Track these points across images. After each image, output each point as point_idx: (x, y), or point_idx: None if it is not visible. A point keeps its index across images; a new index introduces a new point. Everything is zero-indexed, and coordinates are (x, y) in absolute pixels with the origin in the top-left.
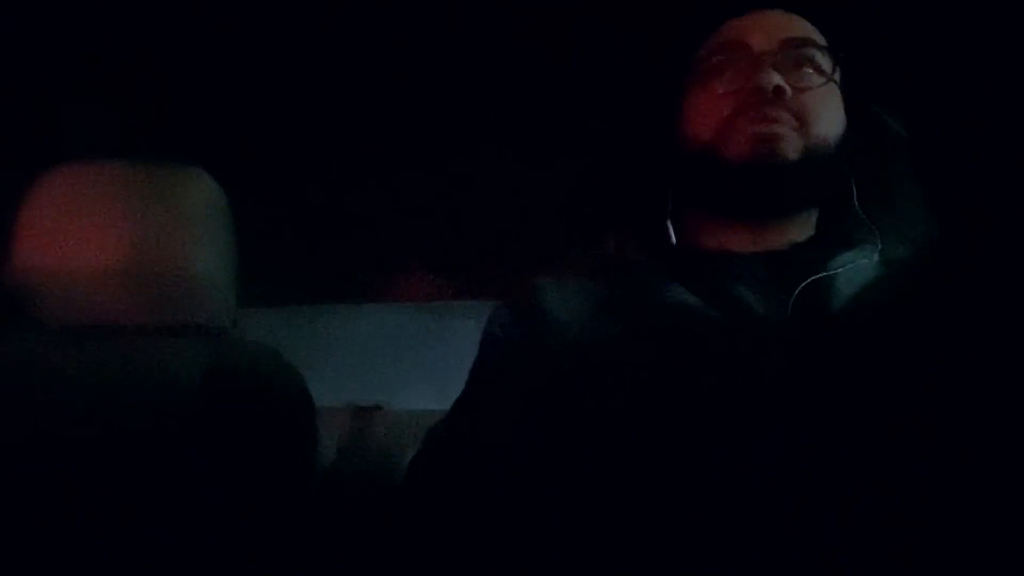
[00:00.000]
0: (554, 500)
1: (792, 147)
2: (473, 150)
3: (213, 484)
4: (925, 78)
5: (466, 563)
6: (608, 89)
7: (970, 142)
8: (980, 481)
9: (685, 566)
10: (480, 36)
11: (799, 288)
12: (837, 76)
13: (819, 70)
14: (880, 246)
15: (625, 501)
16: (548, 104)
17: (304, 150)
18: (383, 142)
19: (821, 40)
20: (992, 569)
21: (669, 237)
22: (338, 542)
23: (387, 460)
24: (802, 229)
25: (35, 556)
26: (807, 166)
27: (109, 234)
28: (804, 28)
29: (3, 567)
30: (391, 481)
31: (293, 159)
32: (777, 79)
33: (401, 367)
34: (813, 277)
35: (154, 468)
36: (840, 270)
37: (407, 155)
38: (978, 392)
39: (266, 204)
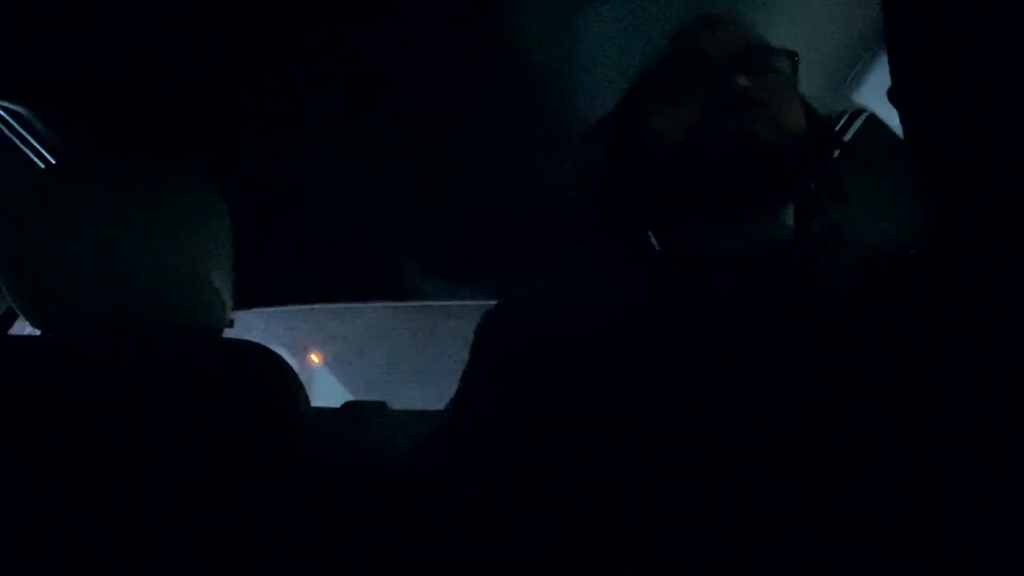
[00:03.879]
0: (550, 498)
1: (769, 140)
2: (474, 150)
3: (209, 485)
4: (924, 77)
5: (465, 560)
6: (588, 95)
7: (967, 140)
8: (972, 473)
9: (682, 560)
10: (479, 39)
11: (786, 284)
12: (794, 77)
13: (778, 73)
14: (864, 240)
15: (620, 500)
16: (550, 102)
17: (303, 150)
18: (382, 143)
19: (774, 43)
20: (981, 556)
21: (652, 245)
22: (336, 542)
23: (386, 460)
24: (783, 226)
25: (34, 556)
26: (783, 160)
27: (106, 234)
28: (758, 35)
29: (4, 566)
30: (390, 481)
31: (291, 159)
32: (744, 81)
33: (401, 367)
34: (796, 270)
35: (150, 470)
36: (824, 264)
37: (406, 156)
38: (970, 386)
39: (264, 204)
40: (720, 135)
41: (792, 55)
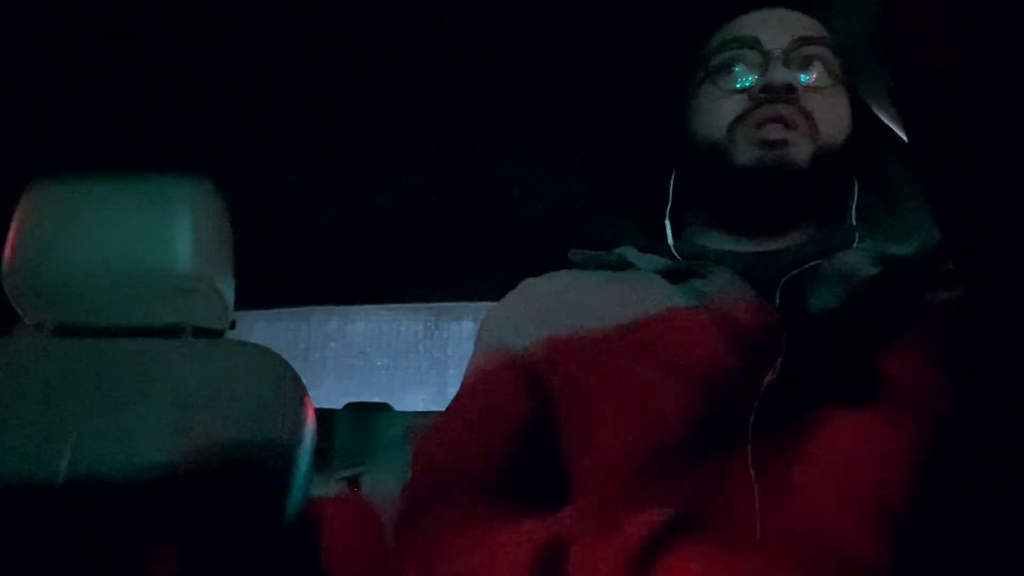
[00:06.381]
0: (545, 498)
1: (801, 152)
2: (474, 150)
3: (211, 485)
4: (927, 77)
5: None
6: (612, 86)
7: (972, 140)
8: (970, 476)
9: None
10: (480, 35)
11: (787, 284)
12: (844, 74)
13: (829, 70)
14: (878, 246)
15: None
16: (550, 102)
17: (303, 152)
18: (382, 143)
19: (831, 39)
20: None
21: (666, 237)
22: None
23: (386, 460)
24: (803, 230)
25: (31, 557)
26: (815, 171)
27: (109, 238)
28: (815, 27)
29: (5, 561)
30: (391, 481)
31: (291, 161)
32: (789, 76)
33: (401, 367)
34: (797, 271)
35: (151, 471)
36: (837, 269)
37: (407, 155)
38: (974, 392)
39: (264, 206)
40: (754, 139)
41: (847, 53)
